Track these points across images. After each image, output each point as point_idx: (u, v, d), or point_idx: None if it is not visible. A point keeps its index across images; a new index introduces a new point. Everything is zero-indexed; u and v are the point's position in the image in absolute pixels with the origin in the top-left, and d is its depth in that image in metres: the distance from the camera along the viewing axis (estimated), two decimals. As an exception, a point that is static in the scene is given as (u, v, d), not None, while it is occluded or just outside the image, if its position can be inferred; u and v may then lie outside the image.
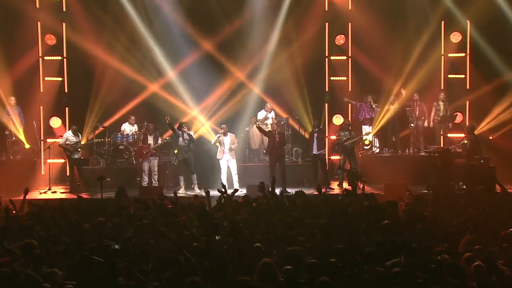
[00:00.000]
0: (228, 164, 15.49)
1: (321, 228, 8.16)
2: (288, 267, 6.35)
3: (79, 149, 15.58)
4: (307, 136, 16.58)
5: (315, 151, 15.69)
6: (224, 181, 14.94)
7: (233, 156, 15.54)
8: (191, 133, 15.71)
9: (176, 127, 15.45)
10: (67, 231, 8.29)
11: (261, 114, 16.99)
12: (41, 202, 11.63)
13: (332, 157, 17.24)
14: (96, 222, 8.83)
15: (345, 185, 14.50)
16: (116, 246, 6.95)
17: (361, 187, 12.15)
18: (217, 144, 15.60)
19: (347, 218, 9.08)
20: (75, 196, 13.21)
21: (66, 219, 9.17)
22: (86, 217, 9.43)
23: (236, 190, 11.51)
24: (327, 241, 7.64)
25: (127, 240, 7.70)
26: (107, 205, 10.29)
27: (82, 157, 15.83)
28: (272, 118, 16.88)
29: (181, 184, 15.58)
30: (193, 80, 17.38)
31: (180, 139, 15.42)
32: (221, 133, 15.49)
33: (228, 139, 15.49)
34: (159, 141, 15.95)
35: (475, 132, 15.87)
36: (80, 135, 15.82)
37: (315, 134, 15.72)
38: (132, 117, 16.89)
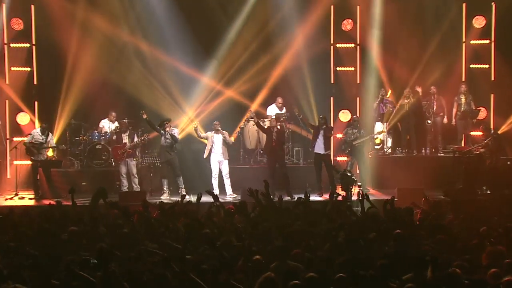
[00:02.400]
0: (220, 167, 14.60)
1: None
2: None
3: (48, 150, 14.79)
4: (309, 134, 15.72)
5: (321, 151, 14.62)
6: (216, 185, 14.35)
7: (226, 157, 14.66)
8: (175, 131, 14.69)
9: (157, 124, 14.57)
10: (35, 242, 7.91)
11: (271, 110, 16.12)
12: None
13: (338, 158, 16.34)
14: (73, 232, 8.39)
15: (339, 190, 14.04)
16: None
17: (355, 192, 11.78)
18: (203, 140, 14.82)
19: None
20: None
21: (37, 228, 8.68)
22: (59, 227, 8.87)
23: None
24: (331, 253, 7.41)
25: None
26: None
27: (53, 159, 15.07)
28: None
29: (165, 188, 14.60)
30: (181, 71, 16.36)
31: (162, 138, 14.50)
32: (217, 129, 14.57)
33: (219, 138, 14.57)
34: (135, 139, 14.91)
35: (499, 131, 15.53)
36: (50, 134, 14.91)
37: (322, 131, 14.67)
38: (113, 113, 16.02)
